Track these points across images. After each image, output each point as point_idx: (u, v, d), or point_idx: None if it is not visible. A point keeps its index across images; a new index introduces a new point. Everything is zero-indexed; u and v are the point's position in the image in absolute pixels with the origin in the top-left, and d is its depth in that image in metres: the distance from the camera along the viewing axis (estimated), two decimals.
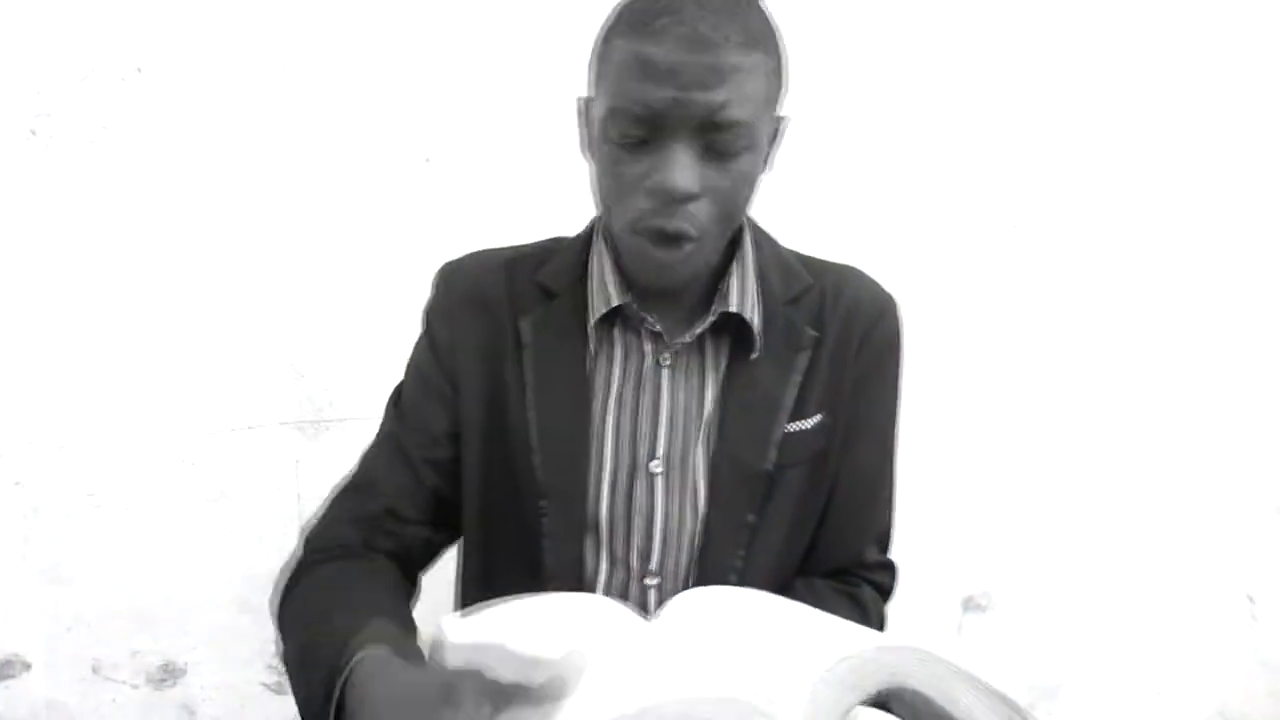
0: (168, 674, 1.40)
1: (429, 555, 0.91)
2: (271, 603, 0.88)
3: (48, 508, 1.33)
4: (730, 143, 0.69)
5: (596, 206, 0.80)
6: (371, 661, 0.64)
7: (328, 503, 0.89)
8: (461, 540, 0.91)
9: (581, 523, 0.81)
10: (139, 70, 1.27)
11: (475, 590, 0.88)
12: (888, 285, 0.89)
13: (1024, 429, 1.61)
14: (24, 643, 1.36)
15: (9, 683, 1.36)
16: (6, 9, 1.23)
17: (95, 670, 1.38)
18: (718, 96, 0.66)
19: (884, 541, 0.92)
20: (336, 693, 0.65)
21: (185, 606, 1.38)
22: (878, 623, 0.89)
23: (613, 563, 0.82)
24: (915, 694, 0.53)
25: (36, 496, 1.32)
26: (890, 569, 0.92)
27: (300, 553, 0.87)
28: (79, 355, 1.30)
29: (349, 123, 1.33)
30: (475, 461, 0.84)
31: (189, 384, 1.33)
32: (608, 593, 0.82)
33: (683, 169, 0.68)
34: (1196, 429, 1.67)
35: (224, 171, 1.31)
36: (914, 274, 1.51)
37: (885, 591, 0.92)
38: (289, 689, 1.49)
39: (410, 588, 0.87)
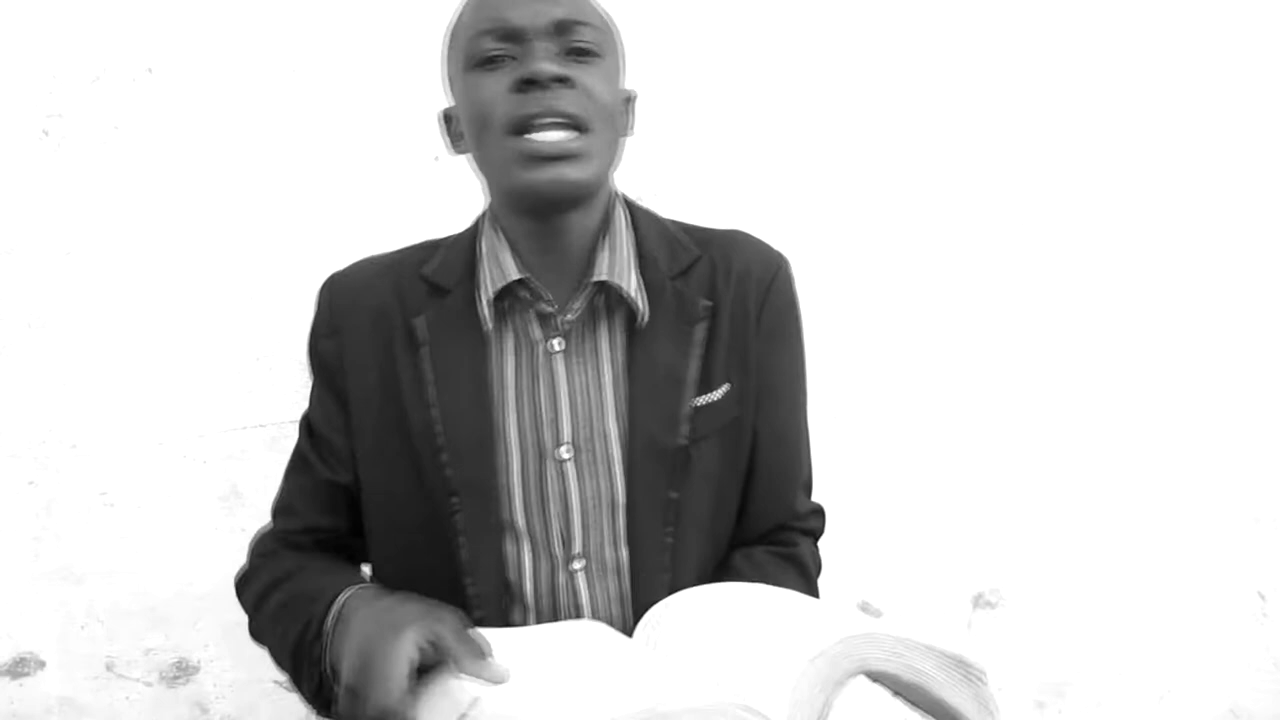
0: (181, 671, 1.40)
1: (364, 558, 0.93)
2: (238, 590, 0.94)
3: (60, 506, 1.33)
4: (584, 40, 0.76)
5: (483, 183, 0.83)
6: (357, 595, 0.74)
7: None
8: (371, 559, 0.91)
9: (497, 516, 0.81)
10: (150, 71, 1.28)
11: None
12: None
13: (1033, 426, 1.61)
14: (37, 641, 1.36)
15: (23, 681, 1.36)
16: (19, 10, 1.24)
17: (108, 668, 1.38)
18: (562, 2, 0.76)
19: (809, 487, 0.95)
20: (329, 622, 0.73)
21: (198, 604, 1.38)
22: (817, 574, 0.92)
23: (535, 553, 0.82)
24: (881, 674, 0.56)
25: (49, 495, 1.33)
26: (820, 513, 0.95)
27: (247, 559, 0.94)
28: (91, 354, 1.31)
29: (357, 122, 1.34)
30: (377, 471, 0.85)
31: (201, 383, 1.34)
32: (535, 583, 0.82)
33: (544, 59, 0.74)
34: (1207, 426, 1.66)
35: (234, 171, 1.32)
36: (924, 272, 1.51)
37: (818, 535, 0.94)
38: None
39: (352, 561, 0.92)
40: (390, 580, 0.88)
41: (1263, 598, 1.75)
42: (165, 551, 1.36)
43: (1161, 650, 1.72)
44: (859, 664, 0.56)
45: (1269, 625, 1.75)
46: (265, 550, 0.91)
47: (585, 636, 0.68)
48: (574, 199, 0.78)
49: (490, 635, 0.67)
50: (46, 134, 1.26)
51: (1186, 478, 1.67)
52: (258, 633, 0.88)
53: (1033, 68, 1.52)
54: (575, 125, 0.75)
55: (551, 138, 0.74)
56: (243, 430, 1.36)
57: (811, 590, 0.89)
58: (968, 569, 1.64)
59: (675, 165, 1.42)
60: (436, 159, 1.36)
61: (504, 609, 0.82)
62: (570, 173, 0.75)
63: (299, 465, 0.91)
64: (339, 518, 0.88)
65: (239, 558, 1.38)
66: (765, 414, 0.87)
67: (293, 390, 1.37)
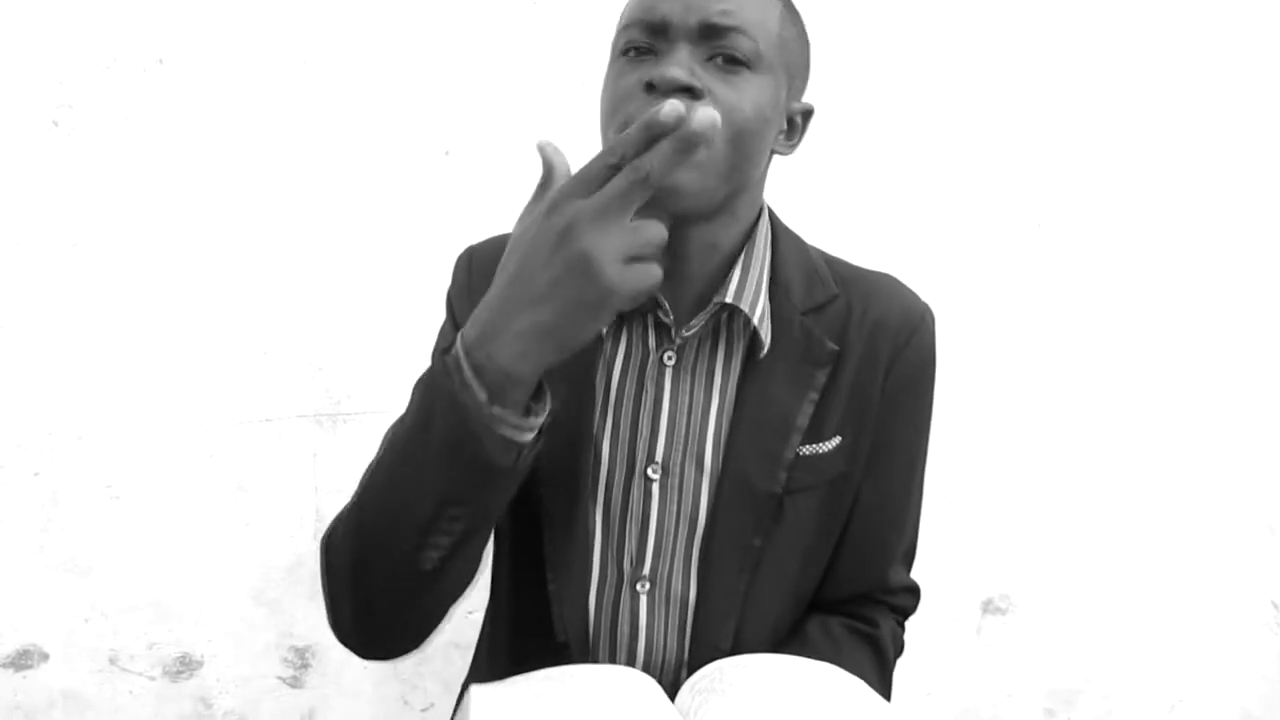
0: (184, 666, 1.40)
1: None
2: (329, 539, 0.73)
3: (66, 499, 1.33)
4: (733, 50, 0.69)
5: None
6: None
7: None
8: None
9: (583, 514, 0.79)
10: (161, 62, 1.28)
11: (504, 580, 0.87)
12: (909, 286, 0.87)
13: (1045, 431, 1.59)
14: (41, 633, 1.36)
15: (26, 673, 1.36)
16: (29, 1, 1.23)
17: (112, 661, 1.38)
18: (726, 3, 0.69)
19: (909, 559, 0.90)
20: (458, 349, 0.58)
21: (202, 599, 1.38)
22: (896, 658, 0.87)
23: (604, 564, 0.80)
24: None
25: (55, 487, 1.32)
26: (915, 592, 0.90)
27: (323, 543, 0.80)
28: (98, 346, 1.31)
29: (369, 116, 1.33)
30: None
31: (207, 376, 1.34)
32: (599, 596, 0.80)
33: (678, 62, 0.68)
34: (1220, 435, 1.65)
35: (244, 164, 1.31)
36: (937, 274, 1.50)
37: (907, 614, 0.90)
38: (305, 682, 1.50)
39: None
40: (501, 556, 0.86)
41: (1276, 607, 1.73)
42: (170, 545, 1.36)
43: (1173, 659, 1.71)
44: None
45: None
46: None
47: (627, 696, 0.66)
48: (673, 203, 0.70)
49: (531, 677, 0.65)
50: (56, 124, 1.26)
51: (1200, 486, 1.66)
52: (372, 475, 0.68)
53: (1091, 85, 1.51)
54: None
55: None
56: (249, 424, 1.35)
57: (885, 676, 0.84)
58: (978, 575, 1.63)
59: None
60: (447, 153, 1.36)
61: (584, 608, 0.80)
62: (673, 176, 0.67)
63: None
64: None
65: (244, 552, 1.39)
66: (873, 474, 0.82)
67: (299, 385, 1.36)
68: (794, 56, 0.76)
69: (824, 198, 1.45)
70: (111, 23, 1.26)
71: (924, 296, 0.88)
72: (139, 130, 1.28)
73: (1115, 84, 1.53)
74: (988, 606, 1.64)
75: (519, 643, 0.85)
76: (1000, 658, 1.65)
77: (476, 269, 0.86)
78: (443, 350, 0.60)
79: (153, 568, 1.36)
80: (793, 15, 0.76)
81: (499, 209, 1.35)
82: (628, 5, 0.74)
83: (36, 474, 1.32)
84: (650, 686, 0.68)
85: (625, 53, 0.72)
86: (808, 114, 0.80)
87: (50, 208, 1.27)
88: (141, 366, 1.32)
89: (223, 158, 1.31)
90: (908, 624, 0.92)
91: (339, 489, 1.39)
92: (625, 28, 0.72)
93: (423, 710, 1.48)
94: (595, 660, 0.80)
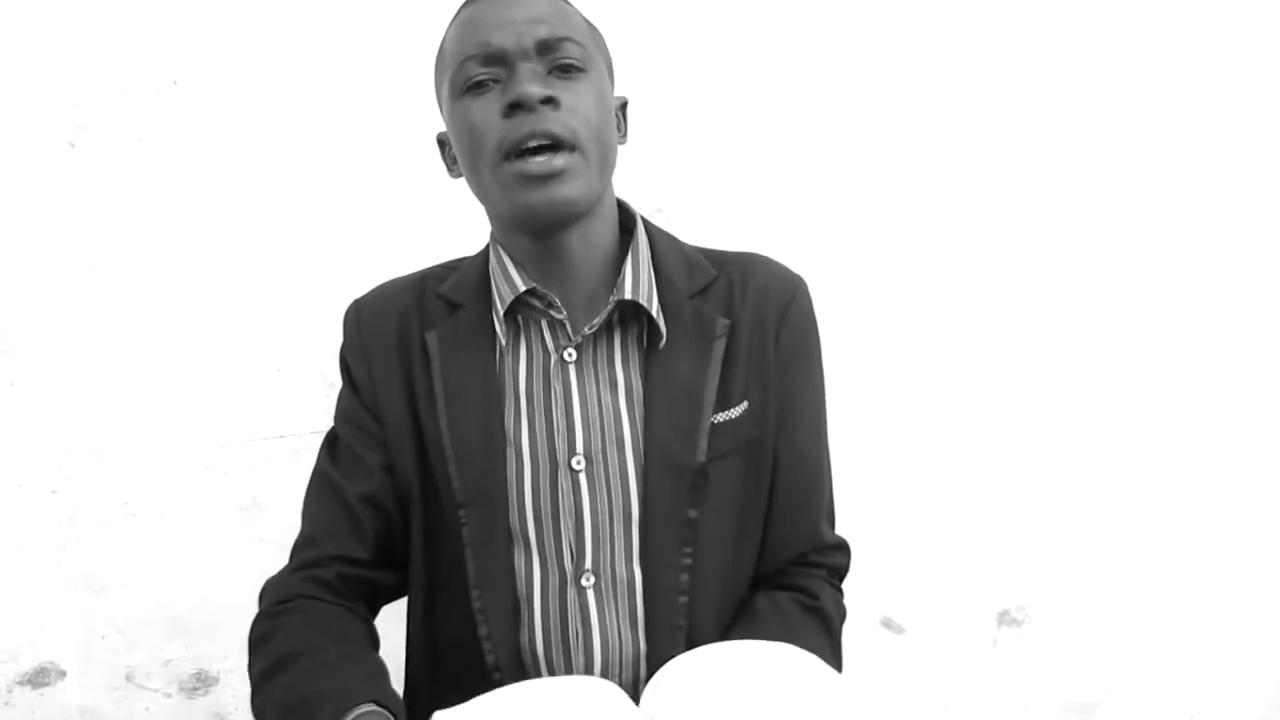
0: (200, 682, 1.40)
1: (391, 595, 0.91)
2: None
3: (83, 516, 1.34)
4: (570, 56, 0.76)
5: (480, 199, 0.83)
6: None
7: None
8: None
9: (505, 527, 0.80)
10: (175, 83, 1.29)
11: (419, 609, 0.88)
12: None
13: (1060, 442, 1.59)
14: (58, 650, 1.36)
15: (43, 690, 1.37)
16: (46, 24, 1.25)
17: (129, 678, 1.38)
18: (545, 20, 0.76)
19: (832, 517, 0.93)
20: None
21: (218, 615, 1.38)
22: (840, 624, 0.89)
23: (545, 567, 0.81)
24: None
25: (72, 505, 1.33)
26: (844, 549, 0.93)
27: (261, 606, 0.87)
28: (114, 364, 1.32)
29: (381, 135, 1.34)
30: (412, 483, 0.84)
31: (222, 393, 1.34)
32: (544, 598, 0.81)
33: (530, 80, 0.74)
34: (1238, 442, 1.64)
35: (257, 183, 1.32)
36: (949, 282, 1.50)
37: (843, 573, 0.92)
38: None
39: (371, 629, 0.86)
40: (416, 596, 0.88)
41: None
42: (186, 562, 1.36)
43: (1191, 669, 1.69)
44: None
45: None
46: (283, 597, 0.85)
47: (593, 706, 0.65)
48: (568, 216, 0.78)
49: (492, 696, 0.65)
50: (72, 146, 1.27)
51: (1216, 496, 1.65)
52: (258, 711, 0.81)
53: (1047, 75, 1.51)
54: (563, 145, 0.75)
55: (539, 159, 0.74)
56: (263, 441, 1.36)
57: (835, 647, 0.87)
58: (993, 585, 1.62)
59: (686, 180, 1.42)
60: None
61: (513, 624, 0.81)
62: (561, 191, 0.75)
63: (320, 490, 0.89)
64: (363, 544, 0.85)
65: (259, 568, 1.38)
66: (785, 437, 0.86)
67: (313, 402, 1.37)
68: (604, 52, 0.84)
69: (831, 204, 1.45)
70: (126, 45, 1.27)
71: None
72: (153, 151, 1.29)
73: (1122, 92, 1.53)
74: (1003, 618, 1.63)
75: (445, 674, 0.85)
76: (1016, 669, 1.64)
77: (365, 322, 0.89)
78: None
79: (169, 584, 1.37)
80: (586, 18, 0.84)
81: None
82: (451, 45, 0.80)
83: (54, 491, 1.33)
84: (614, 693, 0.68)
85: (468, 90, 0.77)
86: (623, 106, 0.87)
87: (66, 228, 1.28)
88: (157, 384, 1.33)
89: (236, 177, 1.32)
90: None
91: None
92: (461, 65, 0.77)
93: None
94: (552, 667, 0.81)
